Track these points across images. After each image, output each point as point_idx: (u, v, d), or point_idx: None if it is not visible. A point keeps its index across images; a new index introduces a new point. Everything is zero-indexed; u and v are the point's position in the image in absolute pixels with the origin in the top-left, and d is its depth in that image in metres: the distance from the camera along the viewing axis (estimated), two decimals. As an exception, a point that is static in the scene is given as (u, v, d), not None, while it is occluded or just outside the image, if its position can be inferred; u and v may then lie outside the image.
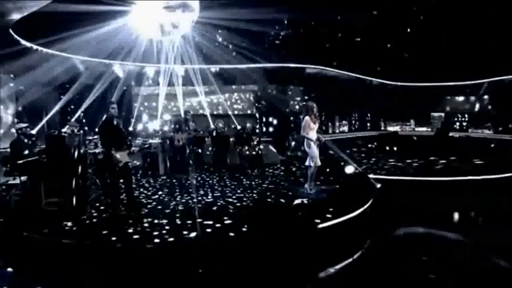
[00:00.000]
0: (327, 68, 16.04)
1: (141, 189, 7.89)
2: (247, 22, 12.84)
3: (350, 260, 4.80)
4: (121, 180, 6.13)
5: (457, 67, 15.76)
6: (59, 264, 4.46)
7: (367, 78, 17.48)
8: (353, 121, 20.53)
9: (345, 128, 20.42)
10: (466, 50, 15.02)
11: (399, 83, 17.91)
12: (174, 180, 9.03)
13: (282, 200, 6.34)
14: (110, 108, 5.99)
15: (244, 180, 8.81)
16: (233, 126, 13.65)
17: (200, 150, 11.58)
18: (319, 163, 6.80)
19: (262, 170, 10.10)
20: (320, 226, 5.09)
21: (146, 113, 15.36)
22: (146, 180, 9.09)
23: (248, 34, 13.49)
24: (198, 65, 14.52)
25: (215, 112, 16.20)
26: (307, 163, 6.86)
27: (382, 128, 20.09)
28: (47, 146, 6.29)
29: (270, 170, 10.09)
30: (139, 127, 14.38)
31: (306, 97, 16.14)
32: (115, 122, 6.03)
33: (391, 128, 19.96)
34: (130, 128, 14.47)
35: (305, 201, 5.91)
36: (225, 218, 5.48)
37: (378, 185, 7.75)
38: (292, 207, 5.43)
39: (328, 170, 8.44)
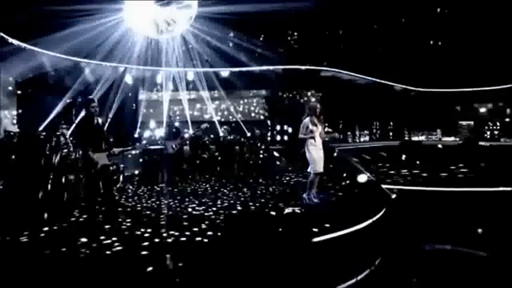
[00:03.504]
0: (343, 72, 15.40)
1: (135, 197, 7.61)
2: (257, 23, 12.48)
3: (353, 281, 4.12)
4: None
5: (485, 72, 14.86)
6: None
7: (388, 83, 16.69)
8: (374, 130, 19.71)
9: (367, 138, 19.64)
10: (494, 54, 14.16)
11: (423, 89, 17.05)
12: (170, 188, 8.58)
13: (275, 209, 5.67)
14: (90, 107, 5.60)
15: (245, 188, 8.35)
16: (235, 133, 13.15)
17: (204, 157, 11.30)
18: (320, 169, 6.16)
19: (270, 179, 9.68)
20: (316, 239, 4.41)
21: (152, 119, 15.07)
22: (142, 187, 8.80)
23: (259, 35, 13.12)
24: (206, 68, 14.16)
25: (223, 119, 15.75)
26: (309, 169, 6.29)
27: (406, 138, 19.16)
28: (18, 147, 5.93)
29: (278, 179, 9.67)
30: (146, 133, 14.16)
31: (310, 100, 15.51)
32: (95, 121, 5.65)
33: (415, 138, 19.03)
34: (136, 135, 14.29)
35: (296, 210, 5.21)
36: (207, 228, 4.90)
37: (393, 195, 7.03)
38: (281, 217, 4.73)
39: (335, 178, 7.74)
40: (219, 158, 11.34)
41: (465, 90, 16.68)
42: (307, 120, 6.26)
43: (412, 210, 6.77)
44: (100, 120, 5.73)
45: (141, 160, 10.34)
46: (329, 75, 15.64)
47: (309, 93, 16.50)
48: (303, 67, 14.67)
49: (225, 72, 14.77)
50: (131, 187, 9.02)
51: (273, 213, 5.27)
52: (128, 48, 11.99)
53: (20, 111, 12.01)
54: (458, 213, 6.62)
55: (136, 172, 10.53)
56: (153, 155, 10.39)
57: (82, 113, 5.71)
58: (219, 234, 4.53)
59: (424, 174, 9.83)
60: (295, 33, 15.09)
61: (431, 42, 15.57)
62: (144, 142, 10.31)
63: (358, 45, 14.96)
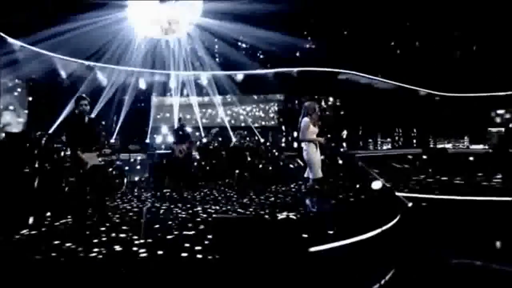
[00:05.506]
0: (362, 75, 14.86)
1: (133, 201, 7.42)
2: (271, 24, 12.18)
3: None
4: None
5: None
6: None
7: (411, 87, 16.01)
8: (397, 138, 18.99)
9: (389, 146, 18.98)
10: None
11: (449, 94, 16.28)
12: (173, 193, 8.37)
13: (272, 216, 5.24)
14: (79, 104, 5.41)
15: (252, 195, 8.02)
16: (246, 138, 12.83)
17: (214, 163, 11.06)
18: (320, 174, 5.77)
19: (281, 186, 9.33)
20: (313, 249, 3.98)
21: (164, 124, 14.97)
22: (145, 192, 8.65)
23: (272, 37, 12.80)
24: (218, 72, 13.94)
25: (236, 124, 15.45)
26: (306, 175, 5.92)
27: (431, 146, 18.35)
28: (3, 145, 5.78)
29: (291, 186, 9.31)
30: (158, 139, 14.06)
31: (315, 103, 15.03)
32: (86, 120, 5.45)
33: (441, 146, 18.20)
34: (147, 140, 14.21)
35: (291, 215, 4.77)
36: (194, 236, 4.58)
37: (410, 204, 6.52)
38: (273, 224, 4.29)
39: (346, 184, 7.29)
40: (229, 164, 11.12)
41: (494, 95, 15.82)
42: (308, 120, 5.86)
43: (435, 220, 6.24)
44: (90, 119, 5.54)
45: (143, 164, 10.26)
46: (348, 79, 15.12)
47: (326, 98, 16.08)
48: (320, 69, 14.24)
49: (238, 76, 14.51)
50: (134, 191, 8.86)
51: (268, 219, 4.88)
52: (134, 50, 11.91)
53: (30, 113, 12.13)
54: (489, 225, 6.01)
55: (142, 176, 10.50)
56: (159, 160, 10.28)
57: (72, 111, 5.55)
58: (207, 242, 4.18)
59: (448, 182, 9.24)
60: (312, 34, 14.71)
61: (457, 43, 14.83)
62: (136, 146, 10.09)
63: (379, 46, 14.43)
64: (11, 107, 11.39)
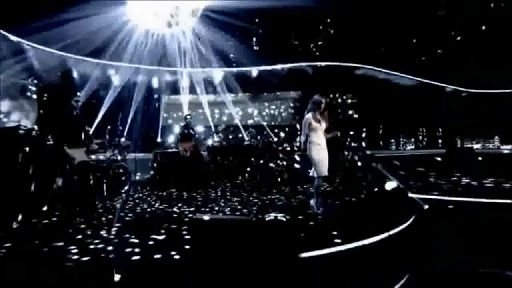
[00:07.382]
0: (382, 70, 14.27)
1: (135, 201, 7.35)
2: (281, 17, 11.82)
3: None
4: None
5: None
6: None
7: (435, 83, 15.30)
8: (420, 137, 18.22)
9: (413, 146, 18.28)
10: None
11: (477, 90, 15.46)
12: (176, 194, 8.22)
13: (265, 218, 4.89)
14: (72, 101, 5.32)
15: (255, 196, 7.87)
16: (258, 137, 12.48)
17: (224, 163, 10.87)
18: (325, 172, 5.56)
19: (290, 187, 9.18)
20: (305, 254, 3.59)
21: (175, 123, 14.83)
22: (148, 192, 8.64)
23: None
24: (229, 68, 13.64)
25: (248, 123, 15.12)
26: (311, 173, 5.70)
27: (459, 146, 17.54)
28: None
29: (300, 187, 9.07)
30: (169, 138, 13.92)
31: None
32: (74, 115, 5.32)
33: (468, 146, 17.36)
34: (159, 140, 14.08)
35: (280, 216, 4.38)
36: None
37: (426, 206, 6.05)
38: (260, 225, 3.91)
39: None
40: (239, 163, 10.90)
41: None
42: (309, 116, 5.64)
43: (456, 224, 5.74)
44: (78, 115, 5.39)
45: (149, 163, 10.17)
46: (367, 75, 14.54)
47: (344, 95, 15.57)
48: (336, 64, 13.76)
49: (250, 73, 14.19)
50: (137, 190, 8.78)
51: (254, 221, 4.55)
52: (139, 46, 11.71)
53: (39, 112, 12.14)
54: None
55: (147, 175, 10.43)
56: (166, 159, 10.11)
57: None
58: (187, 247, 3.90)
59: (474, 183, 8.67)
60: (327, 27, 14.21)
61: (486, 35, 14.00)
62: (127, 141, 9.94)
63: (399, 39, 13.80)
64: (19, 106, 11.45)
